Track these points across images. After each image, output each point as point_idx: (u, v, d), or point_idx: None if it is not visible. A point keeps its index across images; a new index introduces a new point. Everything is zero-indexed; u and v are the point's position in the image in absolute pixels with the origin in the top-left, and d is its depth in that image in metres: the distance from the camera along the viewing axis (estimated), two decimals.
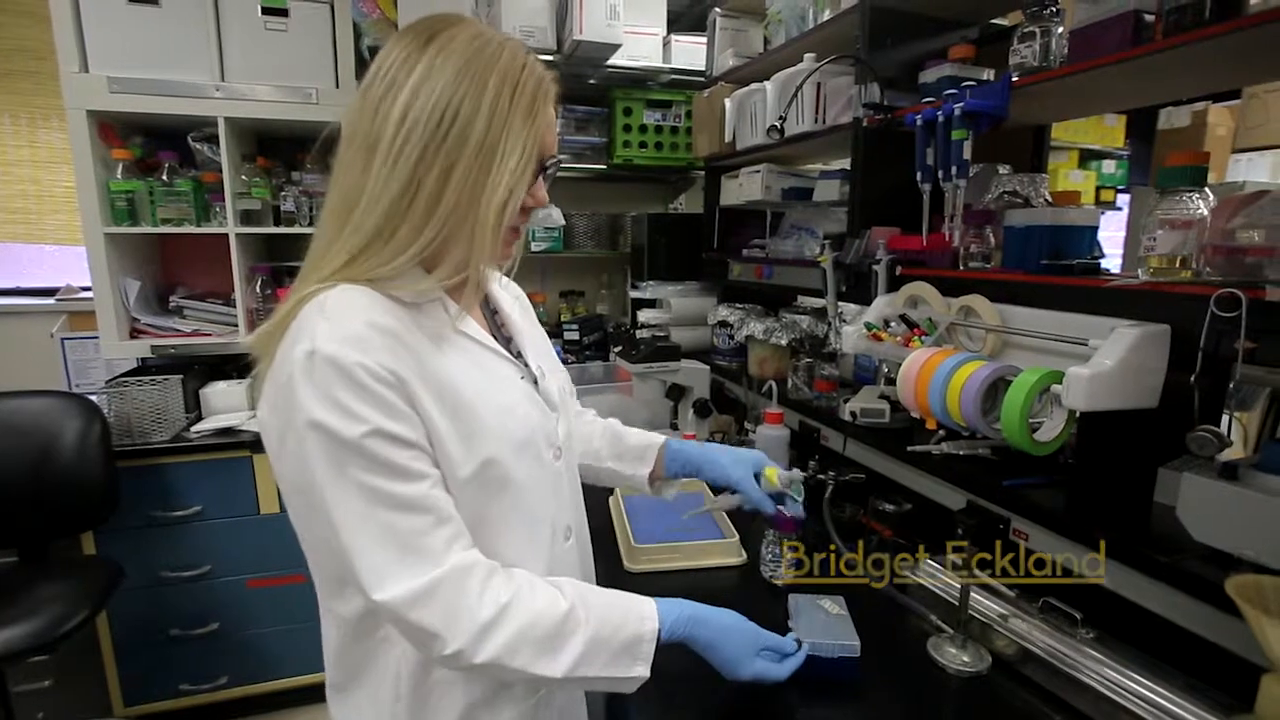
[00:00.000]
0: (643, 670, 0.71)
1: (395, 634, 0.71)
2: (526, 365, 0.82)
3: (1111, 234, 2.92)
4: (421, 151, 0.64)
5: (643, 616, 0.73)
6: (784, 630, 0.86)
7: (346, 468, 0.62)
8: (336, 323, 0.63)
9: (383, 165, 0.65)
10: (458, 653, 0.64)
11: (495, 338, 0.79)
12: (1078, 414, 0.94)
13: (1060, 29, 1.02)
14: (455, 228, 0.67)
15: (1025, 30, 1.05)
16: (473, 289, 0.72)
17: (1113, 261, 1.61)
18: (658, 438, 1.08)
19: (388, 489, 0.63)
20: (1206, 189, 0.91)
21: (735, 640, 0.78)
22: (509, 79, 0.67)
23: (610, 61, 2.16)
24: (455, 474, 0.68)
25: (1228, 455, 0.81)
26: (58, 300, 2.36)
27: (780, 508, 1.06)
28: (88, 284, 1.94)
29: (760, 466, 1.03)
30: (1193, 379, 0.81)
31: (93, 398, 1.86)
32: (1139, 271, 0.93)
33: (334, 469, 0.62)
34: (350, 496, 0.62)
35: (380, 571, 0.62)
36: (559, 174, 0.87)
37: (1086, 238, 1.09)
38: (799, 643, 0.83)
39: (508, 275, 0.87)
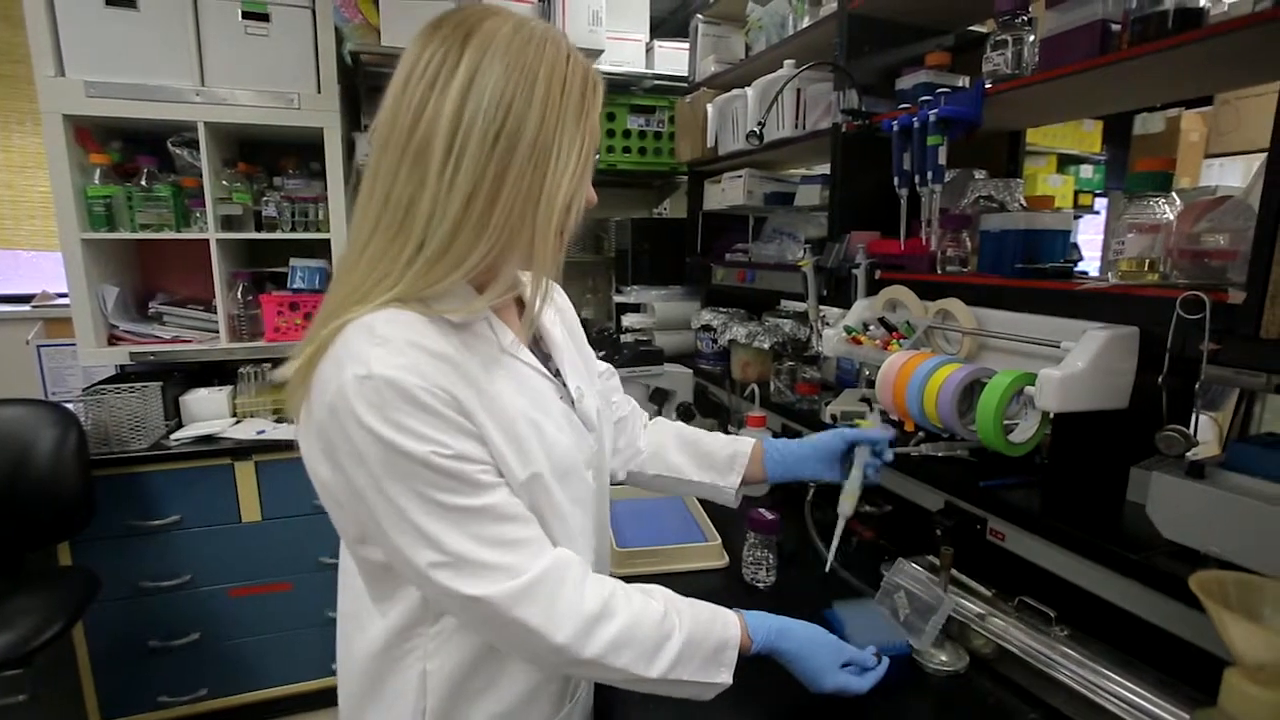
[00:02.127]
0: (727, 677, 0.72)
1: (430, 646, 0.69)
2: (565, 385, 0.79)
3: (1090, 238, 2.97)
4: (481, 156, 0.60)
5: (727, 623, 0.73)
6: None
7: (415, 485, 0.60)
8: (391, 348, 0.60)
9: (441, 173, 0.60)
10: (563, 646, 0.62)
11: (535, 355, 0.77)
12: (1051, 415, 0.96)
13: (1032, 37, 1.04)
14: (512, 237, 0.64)
15: (998, 38, 1.06)
16: (540, 301, 0.70)
17: (1091, 265, 1.64)
18: (745, 442, 1.02)
19: (464, 504, 0.61)
20: (1173, 194, 0.94)
21: (820, 653, 0.78)
22: (557, 73, 0.63)
23: (593, 67, 2.16)
24: (515, 479, 0.67)
25: (1202, 453, 0.83)
26: (34, 307, 2.33)
27: (762, 510, 1.07)
28: (64, 290, 1.91)
29: (846, 444, 0.98)
30: (1161, 380, 0.83)
31: (69, 405, 1.83)
32: (1109, 275, 0.95)
33: (400, 484, 0.60)
34: (420, 508, 0.60)
35: (469, 571, 0.61)
36: None
37: (1060, 242, 1.11)
38: (878, 657, 0.83)
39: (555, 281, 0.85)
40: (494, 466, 0.65)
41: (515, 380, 0.70)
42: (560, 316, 0.88)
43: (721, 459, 1.01)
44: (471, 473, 0.62)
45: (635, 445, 1.03)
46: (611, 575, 1.16)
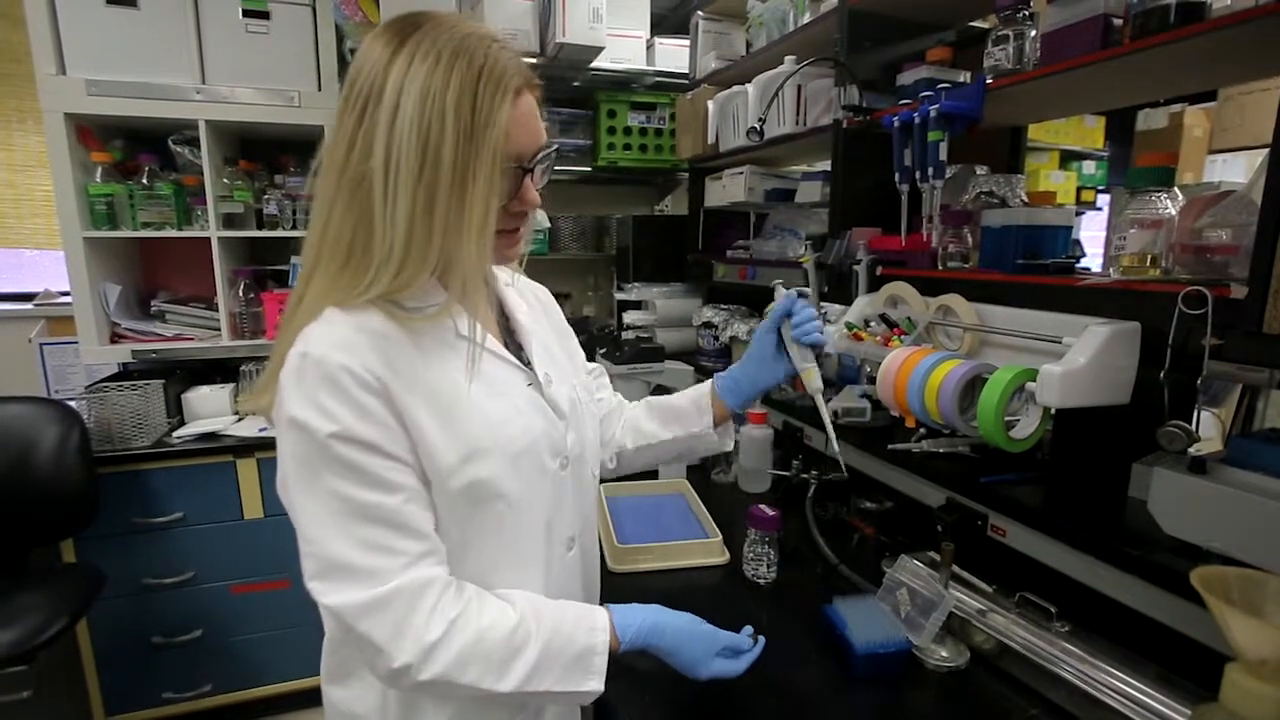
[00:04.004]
0: (596, 684, 0.70)
1: None
2: (533, 369, 0.80)
3: (1094, 234, 2.96)
4: (412, 187, 0.62)
5: (593, 628, 0.72)
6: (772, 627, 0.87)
7: (317, 469, 0.62)
8: (330, 326, 0.64)
9: (383, 208, 0.63)
10: (405, 668, 0.63)
11: (506, 344, 0.79)
12: (1053, 411, 0.95)
13: (1033, 32, 1.04)
14: (453, 246, 0.65)
15: (999, 33, 1.06)
16: (469, 298, 0.72)
17: (1094, 261, 1.64)
18: (703, 385, 1.02)
19: (355, 496, 0.63)
20: (1175, 189, 0.93)
21: (694, 645, 0.78)
22: (466, 95, 0.63)
23: (594, 64, 2.16)
24: (446, 485, 0.67)
25: (1204, 448, 0.83)
26: (36, 305, 2.33)
27: (761, 506, 1.07)
28: (67, 289, 1.91)
29: (773, 334, 0.95)
30: (1162, 375, 0.82)
31: (72, 403, 1.84)
32: (1111, 270, 0.95)
33: (304, 468, 0.63)
34: (315, 497, 0.63)
35: (333, 576, 0.62)
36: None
37: (1061, 237, 1.11)
38: (754, 639, 0.83)
39: (515, 272, 0.88)
40: (410, 468, 0.66)
41: (465, 362, 0.71)
42: (544, 311, 0.92)
43: (688, 410, 1.01)
44: (370, 465, 0.63)
45: (611, 431, 1.05)
46: (612, 572, 1.18)
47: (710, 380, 1.02)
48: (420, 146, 0.62)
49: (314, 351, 0.63)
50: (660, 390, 1.78)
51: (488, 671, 0.66)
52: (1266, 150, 0.72)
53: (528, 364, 0.80)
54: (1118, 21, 0.90)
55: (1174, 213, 0.91)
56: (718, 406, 1.00)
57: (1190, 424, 0.81)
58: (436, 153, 0.62)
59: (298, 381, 0.63)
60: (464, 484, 0.68)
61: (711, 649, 0.79)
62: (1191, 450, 0.81)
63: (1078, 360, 0.86)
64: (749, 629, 0.84)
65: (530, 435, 0.74)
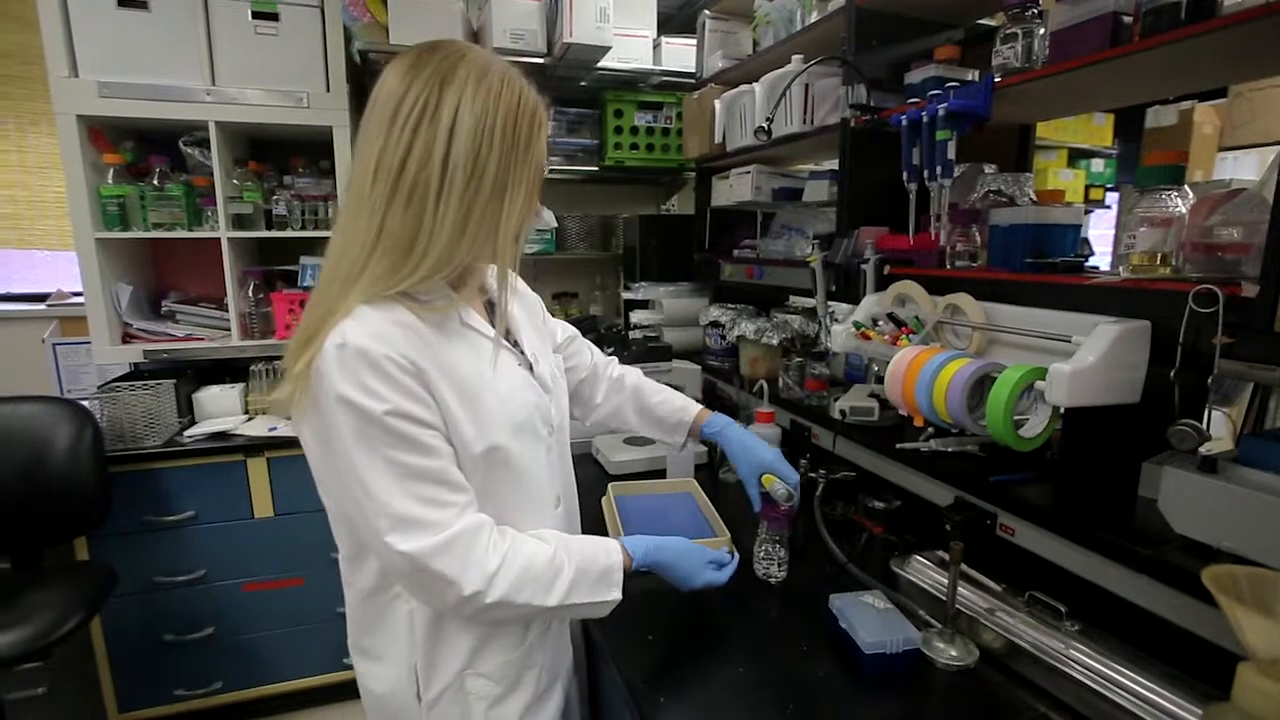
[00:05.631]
0: (617, 594, 0.86)
1: (405, 592, 0.82)
2: (523, 352, 0.93)
3: (1102, 233, 2.95)
4: (464, 195, 0.73)
5: (610, 551, 0.88)
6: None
7: (374, 442, 0.72)
8: (364, 321, 0.73)
9: (435, 211, 0.73)
10: (474, 594, 0.74)
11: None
12: (1062, 410, 0.95)
13: (1042, 30, 1.04)
14: (480, 249, 0.78)
15: (1007, 31, 1.06)
16: (507, 295, 0.83)
17: (1103, 260, 1.63)
18: (689, 412, 1.20)
19: (410, 461, 0.73)
20: (1185, 187, 0.93)
21: (688, 559, 0.95)
22: (510, 117, 0.75)
23: (601, 64, 2.16)
24: (469, 451, 0.79)
25: (1215, 448, 0.82)
26: (49, 306, 2.36)
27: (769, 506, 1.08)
28: (79, 289, 1.93)
29: (762, 470, 1.10)
30: (1173, 374, 0.82)
31: (85, 403, 1.86)
32: (1120, 269, 0.95)
33: (362, 442, 0.72)
34: (375, 465, 0.72)
35: (405, 529, 0.72)
36: (552, 176, 0.94)
37: (1070, 236, 1.11)
38: (732, 553, 1.02)
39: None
40: (442, 433, 0.77)
41: (472, 348, 0.83)
42: (520, 299, 1.02)
43: (667, 424, 1.21)
44: (419, 435, 0.74)
45: (594, 401, 1.21)
46: None
47: (700, 411, 1.20)
48: (473, 158, 0.73)
49: (353, 342, 0.71)
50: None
51: (537, 591, 0.79)
52: (1278, 147, 0.71)
53: (515, 344, 0.93)
54: (1127, 19, 0.90)
55: (1184, 211, 0.90)
56: (694, 433, 1.20)
57: (1201, 423, 0.81)
58: (484, 164, 0.74)
59: (340, 367, 0.71)
60: (482, 450, 0.80)
61: (702, 562, 0.96)
62: (1202, 449, 0.81)
63: (1087, 359, 0.86)
64: (727, 547, 1.05)
65: (527, 409, 0.87)
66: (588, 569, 0.84)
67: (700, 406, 1.21)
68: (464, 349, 0.81)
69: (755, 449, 1.11)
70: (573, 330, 1.22)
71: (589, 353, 1.23)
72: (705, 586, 0.95)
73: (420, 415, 0.74)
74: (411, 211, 0.73)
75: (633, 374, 1.24)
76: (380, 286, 0.74)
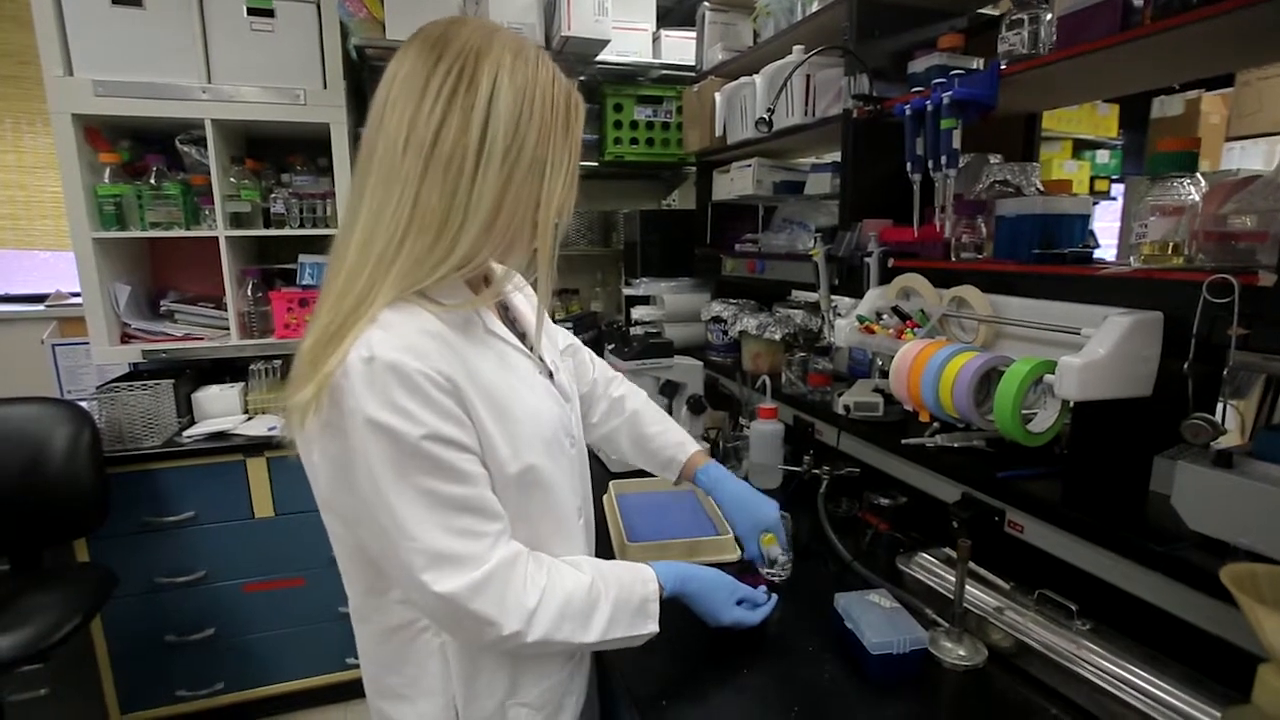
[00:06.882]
0: (654, 626, 0.81)
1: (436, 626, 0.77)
2: (542, 360, 0.86)
3: (1107, 224, 2.92)
4: (502, 169, 0.68)
5: (646, 580, 0.83)
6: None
7: (408, 470, 0.65)
8: (392, 331, 0.65)
9: (471, 185, 0.67)
10: (514, 634, 0.70)
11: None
12: (1071, 404, 0.93)
13: (1049, 15, 1.01)
14: (514, 239, 0.73)
15: (1013, 17, 1.04)
16: (549, 292, 0.77)
17: (1108, 252, 1.61)
18: (685, 450, 1.11)
19: (445, 490, 0.67)
20: (1198, 175, 0.91)
21: (717, 592, 0.89)
22: (548, 94, 0.70)
23: (599, 57, 2.14)
24: (504, 472, 0.73)
25: (1224, 443, 0.80)
26: (48, 306, 2.35)
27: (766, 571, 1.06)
28: (78, 289, 1.92)
29: (765, 529, 1.05)
30: (1186, 366, 0.80)
31: (83, 404, 1.85)
32: (1131, 259, 0.93)
33: (394, 470, 0.65)
34: (407, 495, 0.66)
35: (440, 566, 0.67)
36: None
37: (1078, 226, 1.09)
38: (769, 595, 0.95)
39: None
40: (479, 457, 0.71)
41: (499, 357, 0.77)
42: (523, 295, 0.96)
43: (661, 461, 1.13)
44: (457, 461, 0.68)
45: (589, 420, 1.13)
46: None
47: (696, 452, 1.11)
48: (512, 130, 0.68)
49: (383, 356, 0.63)
50: (669, 385, 1.76)
51: (576, 628, 0.74)
52: None
53: (533, 351, 0.85)
54: (1138, 2, 0.88)
55: (1197, 199, 0.88)
56: (686, 475, 1.11)
57: (1214, 416, 0.79)
58: (523, 139, 0.68)
59: (369, 385, 0.63)
60: (517, 471, 0.74)
61: (732, 597, 0.90)
62: (1215, 444, 0.79)
63: (1097, 351, 0.83)
64: (764, 587, 0.96)
65: (553, 422, 0.81)
66: (625, 601, 0.79)
67: (698, 447, 1.13)
68: (491, 359, 0.75)
69: (756, 505, 1.05)
70: (574, 339, 1.14)
71: (591, 365, 1.15)
72: (734, 626, 0.90)
73: (459, 438, 0.68)
74: (448, 184, 0.67)
75: (635, 397, 1.17)
76: (416, 275, 0.68)
